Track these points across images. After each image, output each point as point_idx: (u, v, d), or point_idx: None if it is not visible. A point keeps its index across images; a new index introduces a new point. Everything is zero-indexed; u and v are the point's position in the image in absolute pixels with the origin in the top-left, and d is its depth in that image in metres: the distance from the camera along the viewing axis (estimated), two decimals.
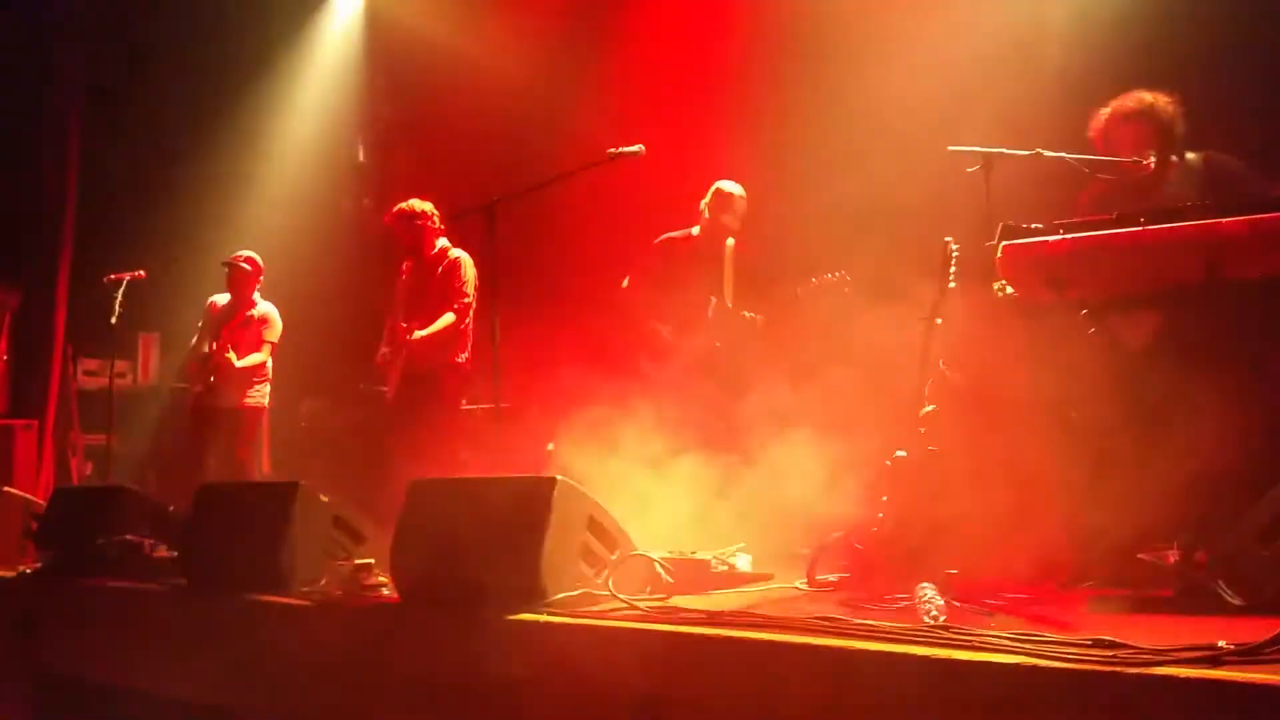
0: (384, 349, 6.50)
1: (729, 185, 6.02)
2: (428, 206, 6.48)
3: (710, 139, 6.55)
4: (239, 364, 7.28)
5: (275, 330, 7.57)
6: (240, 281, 7.54)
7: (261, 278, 7.62)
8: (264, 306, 7.59)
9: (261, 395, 7.56)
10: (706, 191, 6.06)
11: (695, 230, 6.06)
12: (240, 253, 7.59)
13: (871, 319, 4.64)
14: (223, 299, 7.67)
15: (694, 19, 7.20)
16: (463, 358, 6.42)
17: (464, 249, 6.41)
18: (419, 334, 6.18)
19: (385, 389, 6.55)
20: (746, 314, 5.81)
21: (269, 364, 7.56)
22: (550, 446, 6.21)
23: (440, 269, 6.45)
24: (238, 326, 7.47)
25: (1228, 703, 2.18)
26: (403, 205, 6.49)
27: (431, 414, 6.27)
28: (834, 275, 5.67)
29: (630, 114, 7.03)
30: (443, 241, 6.53)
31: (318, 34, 8.77)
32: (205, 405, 7.41)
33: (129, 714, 4.53)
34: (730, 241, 6.00)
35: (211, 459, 7.34)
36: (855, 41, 6.39)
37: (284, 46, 8.80)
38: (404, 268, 6.65)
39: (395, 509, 3.95)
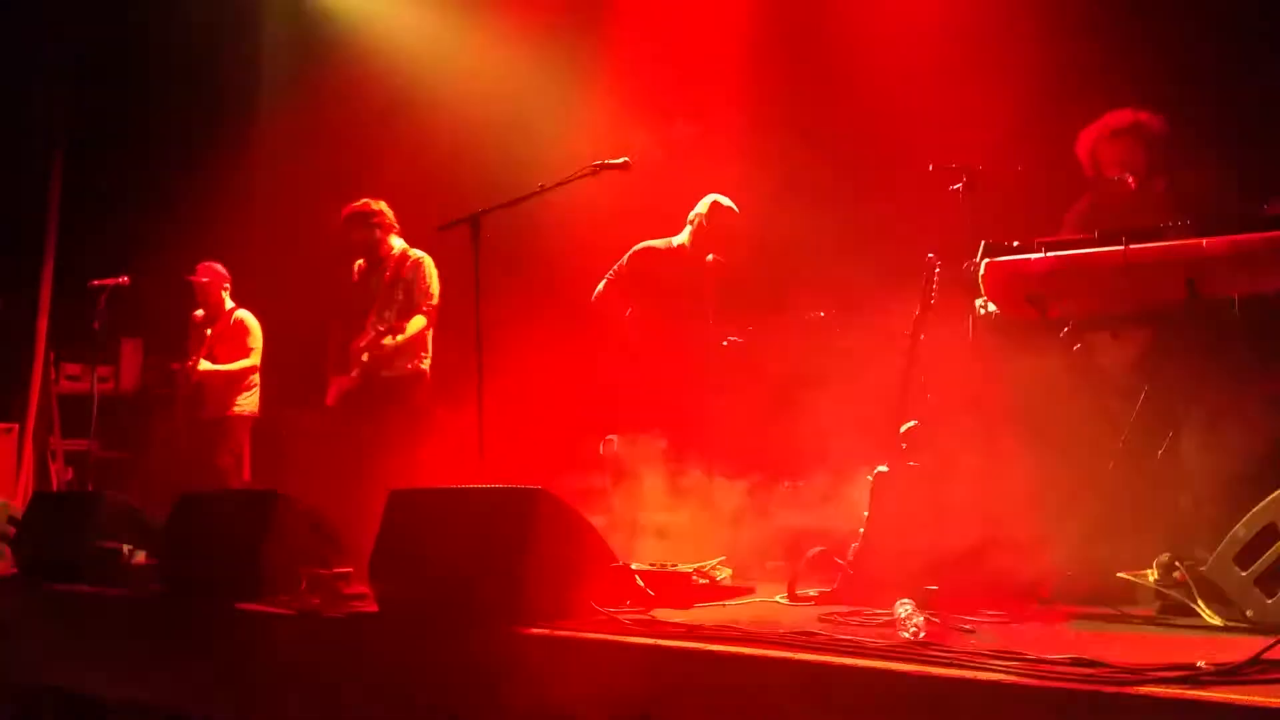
0: (335, 356, 6.34)
1: (726, 200, 5.89)
2: (382, 205, 6.36)
3: (695, 153, 6.56)
4: (202, 368, 7.34)
5: (255, 337, 7.62)
6: (203, 293, 7.67)
7: (228, 284, 7.71)
8: (240, 314, 7.65)
9: (248, 403, 7.59)
10: (698, 202, 5.93)
11: (676, 241, 5.93)
12: (203, 266, 7.70)
13: (853, 337, 4.66)
14: (201, 312, 7.78)
15: (681, 34, 7.21)
16: (426, 364, 6.28)
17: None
18: (398, 338, 6.03)
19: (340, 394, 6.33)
20: (728, 340, 5.77)
21: (254, 370, 7.58)
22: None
23: (402, 270, 6.30)
24: (218, 336, 7.51)
25: None
26: (356, 204, 6.35)
27: (400, 421, 6.12)
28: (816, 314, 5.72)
29: (617, 127, 7.03)
30: (399, 241, 6.41)
31: (306, 43, 8.75)
32: (191, 416, 7.49)
33: None
34: (710, 257, 5.92)
35: (197, 468, 7.34)
36: (840, 57, 6.41)
37: (273, 55, 8.79)
38: (356, 269, 6.52)
39: (370, 518, 3.94)
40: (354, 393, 6.17)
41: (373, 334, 6.07)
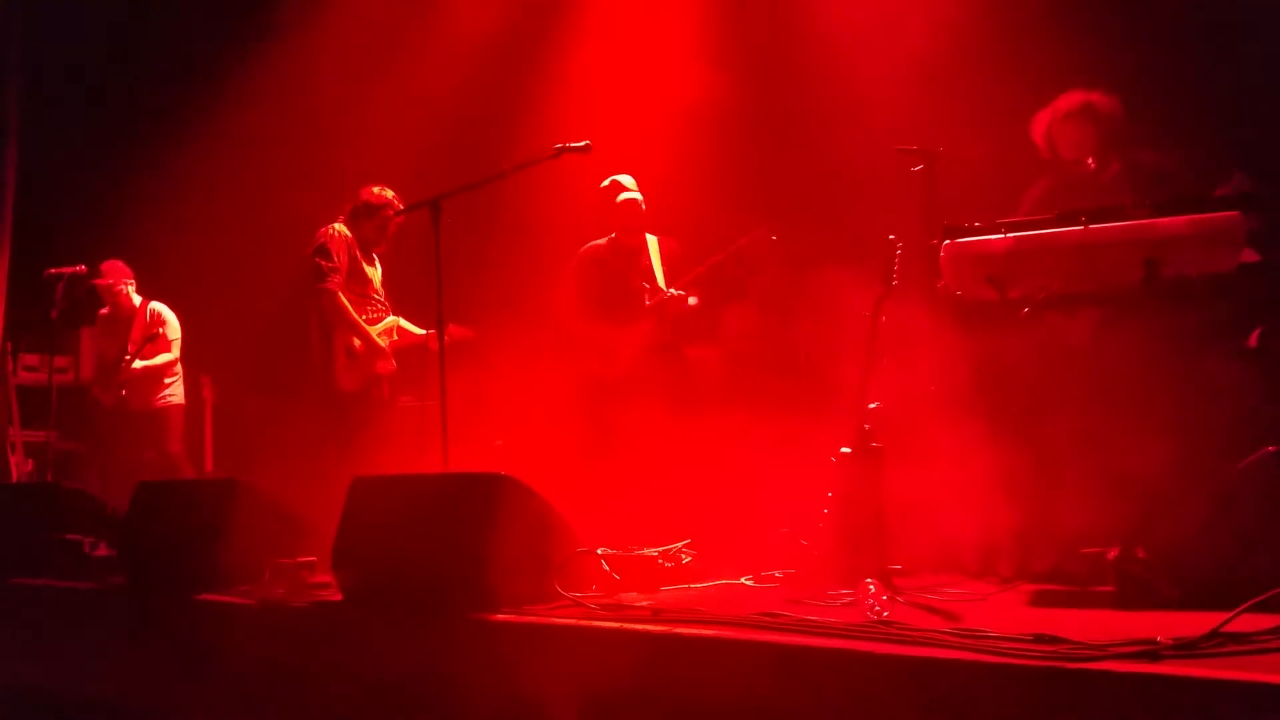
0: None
1: (621, 179, 5.90)
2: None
3: (657, 135, 6.53)
4: (137, 365, 7.34)
5: (173, 328, 7.62)
6: (104, 293, 7.63)
7: (126, 281, 7.65)
8: (155, 306, 7.63)
9: (176, 393, 7.64)
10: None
11: (613, 235, 5.99)
12: (105, 265, 7.66)
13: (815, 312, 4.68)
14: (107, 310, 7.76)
15: (644, 16, 7.18)
16: None
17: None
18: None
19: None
20: (673, 291, 5.75)
21: (177, 361, 7.62)
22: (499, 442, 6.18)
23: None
24: (139, 331, 7.49)
25: (1165, 697, 2.20)
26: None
27: None
28: (755, 236, 5.70)
29: (579, 109, 7.00)
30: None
31: (263, 27, 8.64)
32: (121, 411, 7.47)
33: (66, 716, 4.45)
34: (653, 239, 5.94)
35: (144, 458, 7.34)
36: (802, 41, 6.41)
37: (229, 42, 8.67)
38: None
39: (336, 505, 3.91)
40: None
41: None
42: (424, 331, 6.17)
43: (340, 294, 6.02)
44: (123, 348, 7.44)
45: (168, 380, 7.56)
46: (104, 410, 7.58)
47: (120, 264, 7.69)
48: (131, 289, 7.67)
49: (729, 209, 6.27)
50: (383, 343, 6.10)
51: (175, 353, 7.58)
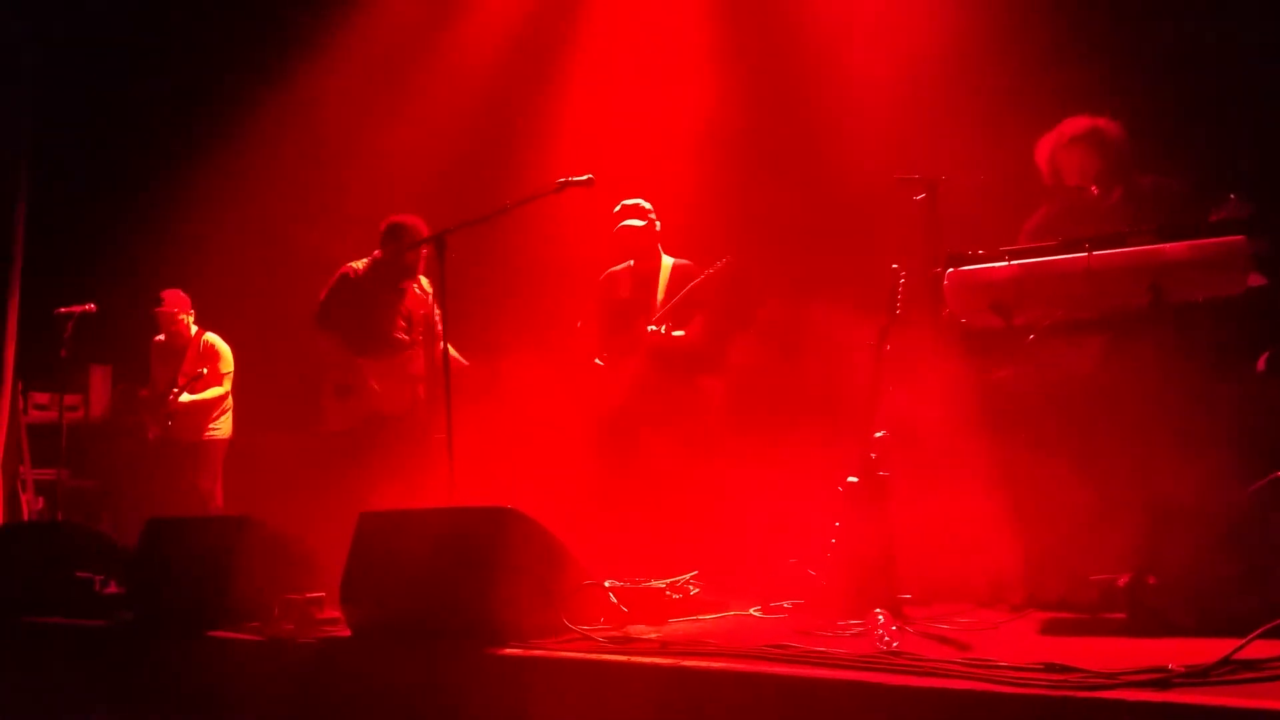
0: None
1: (620, 205, 5.90)
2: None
3: (659, 163, 6.56)
4: (184, 399, 7.32)
5: (226, 361, 7.59)
6: (164, 321, 7.61)
7: (186, 312, 7.65)
8: (209, 338, 7.61)
9: (223, 427, 7.59)
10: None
11: (630, 262, 5.98)
12: (167, 293, 7.65)
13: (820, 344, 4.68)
14: (162, 337, 7.73)
15: (646, 48, 7.22)
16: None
17: (417, 278, 6.28)
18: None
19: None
20: (676, 333, 5.72)
21: (228, 395, 7.58)
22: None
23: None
24: (190, 363, 7.48)
25: None
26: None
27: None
28: (716, 267, 5.68)
29: (583, 138, 7.04)
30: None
31: (269, 63, 8.71)
32: (168, 441, 7.44)
33: None
34: (668, 263, 5.92)
35: (173, 492, 7.30)
36: (804, 71, 6.44)
37: (237, 77, 8.74)
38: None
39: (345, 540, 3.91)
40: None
41: None
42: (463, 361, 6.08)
43: (327, 332, 6.02)
44: (174, 378, 7.43)
45: (217, 413, 7.54)
46: (150, 440, 7.57)
47: (180, 293, 7.68)
48: (190, 319, 7.66)
49: (733, 239, 6.28)
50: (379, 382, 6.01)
51: (226, 386, 7.56)
